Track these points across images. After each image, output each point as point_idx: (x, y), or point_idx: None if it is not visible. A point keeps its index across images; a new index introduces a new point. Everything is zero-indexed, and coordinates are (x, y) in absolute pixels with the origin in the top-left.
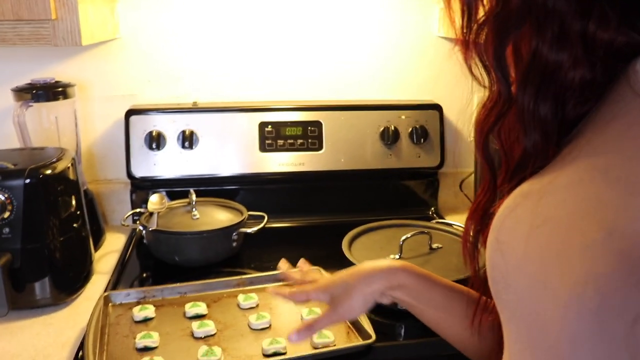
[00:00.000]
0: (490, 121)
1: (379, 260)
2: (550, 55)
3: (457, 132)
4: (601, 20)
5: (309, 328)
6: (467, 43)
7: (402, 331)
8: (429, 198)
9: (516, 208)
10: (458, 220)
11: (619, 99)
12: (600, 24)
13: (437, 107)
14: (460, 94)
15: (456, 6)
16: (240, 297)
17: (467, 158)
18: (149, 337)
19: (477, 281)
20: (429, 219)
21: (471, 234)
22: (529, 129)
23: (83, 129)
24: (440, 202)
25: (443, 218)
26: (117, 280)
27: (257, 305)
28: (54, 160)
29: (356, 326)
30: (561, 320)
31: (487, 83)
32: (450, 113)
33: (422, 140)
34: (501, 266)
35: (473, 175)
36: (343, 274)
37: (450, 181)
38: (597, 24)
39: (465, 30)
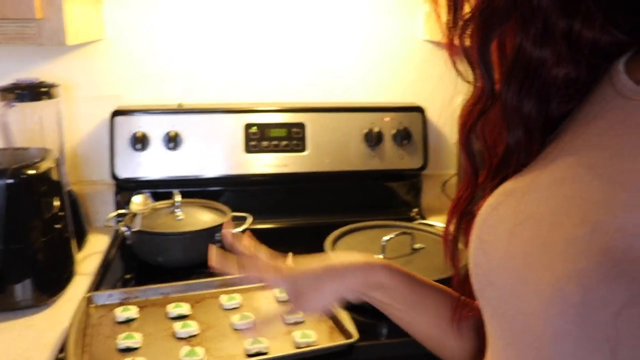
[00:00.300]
0: (473, 117)
1: (355, 254)
2: (533, 51)
3: (440, 134)
4: (586, 19)
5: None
6: (452, 39)
7: (385, 330)
8: (412, 199)
9: (499, 206)
10: (441, 221)
11: (601, 98)
12: (586, 23)
13: (420, 110)
14: (444, 97)
15: (442, 1)
16: (223, 298)
17: (450, 160)
18: (131, 338)
19: (459, 278)
20: (412, 220)
21: (451, 230)
22: (512, 125)
23: (68, 130)
24: (423, 204)
25: (425, 219)
26: (100, 281)
27: (240, 306)
28: (37, 160)
29: (339, 325)
30: (544, 315)
31: (471, 79)
32: (433, 115)
33: (405, 142)
34: (484, 264)
35: (456, 177)
36: (314, 267)
37: (432, 183)
38: (583, 22)
39: (451, 26)
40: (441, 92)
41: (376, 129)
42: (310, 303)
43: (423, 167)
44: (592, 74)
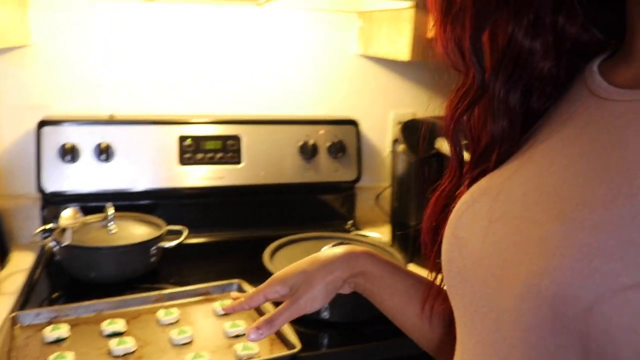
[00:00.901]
0: (462, 107)
1: (336, 247)
2: (524, 41)
3: (374, 147)
4: (570, 15)
5: (269, 324)
6: (444, 26)
7: (326, 341)
8: (346, 211)
9: (474, 204)
10: (374, 232)
11: (576, 98)
12: (569, 19)
13: (354, 123)
14: (377, 110)
15: None
16: (160, 313)
17: (383, 172)
18: (62, 358)
19: (435, 270)
20: (347, 231)
21: (430, 222)
22: (498, 116)
23: None
24: (357, 215)
25: (360, 230)
26: (25, 300)
27: (178, 320)
28: None
29: (280, 336)
30: (516, 311)
31: (461, 67)
32: (367, 128)
33: (339, 154)
34: (458, 261)
35: (390, 189)
36: (300, 263)
37: (366, 195)
38: (567, 18)
39: (444, 12)
40: (374, 105)
41: (311, 142)
42: (308, 301)
43: (357, 180)
44: (568, 74)
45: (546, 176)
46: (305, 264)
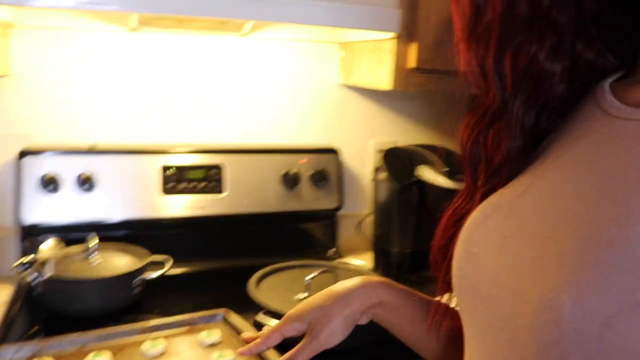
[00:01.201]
0: (481, 126)
1: (351, 279)
2: (546, 64)
3: (355, 175)
4: (588, 40)
5: None
6: (469, 44)
7: None
8: (329, 239)
9: (486, 220)
10: (357, 260)
11: (587, 116)
12: (587, 44)
13: (335, 152)
14: (358, 139)
15: (464, 4)
16: (146, 345)
17: (364, 200)
18: None
19: (444, 288)
20: (330, 259)
21: (443, 239)
22: (515, 135)
23: None
24: (340, 243)
25: (343, 258)
26: (4, 336)
27: (164, 352)
28: None
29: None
30: (532, 326)
31: (482, 86)
32: (348, 157)
33: (321, 183)
34: (472, 277)
35: (372, 216)
36: (316, 298)
37: (348, 223)
38: (584, 43)
39: (470, 31)
40: (356, 134)
41: (293, 171)
42: (327, 336)
43: (339, 208)
44: (579, 94)
45: (560, 194)
46: (321, 299)
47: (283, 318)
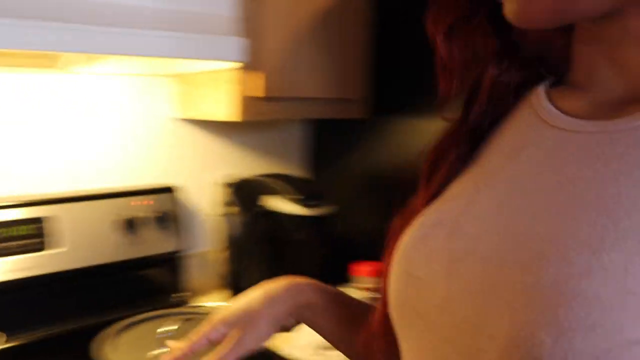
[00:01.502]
0: (457, 141)
1: (278, 279)
2: (494, 78)
3: (200, 211)
4: (496, 64)
5: None
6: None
7: None
8: (179, 282)
9: (426, 238)
10: (207, 300)
11: (527, 125)
12: (499, 69)
13: (174, 190)
14: (201, 174)
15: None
16: None
17: (213, 236)
18: None
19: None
20: (181, 303)
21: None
22: (462, 141)
23: None
24: (192, 285)
25: (192, 300)
26: None
27: None
28: None
29: None
30: None
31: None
32: (191, 194)
33: (162, 224)
34: (413, 302)
35: (225, 252)
36: (241, 301)
37: (199, 262)
38: (497, 69)
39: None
40: (198, 168)
41: (131, 214)
42: (252, 340)
43: (184, 248)
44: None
45: (509, 212)
46: (246, 301)
47: (208, 322)
